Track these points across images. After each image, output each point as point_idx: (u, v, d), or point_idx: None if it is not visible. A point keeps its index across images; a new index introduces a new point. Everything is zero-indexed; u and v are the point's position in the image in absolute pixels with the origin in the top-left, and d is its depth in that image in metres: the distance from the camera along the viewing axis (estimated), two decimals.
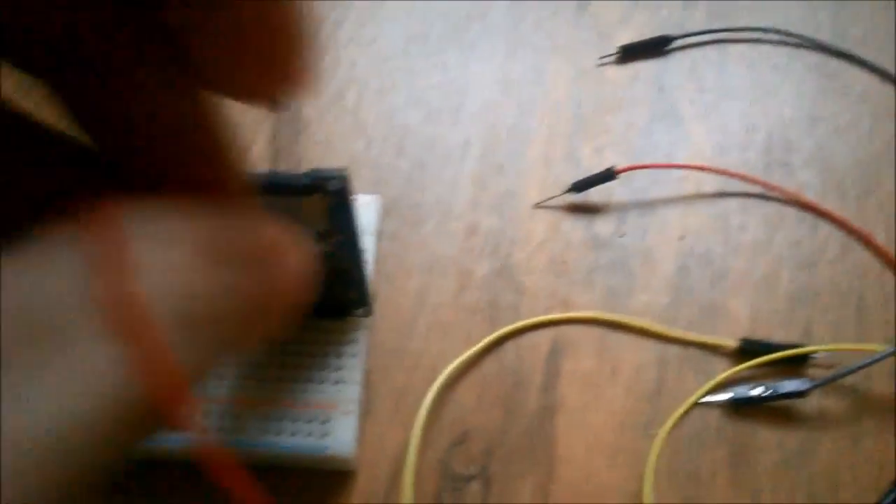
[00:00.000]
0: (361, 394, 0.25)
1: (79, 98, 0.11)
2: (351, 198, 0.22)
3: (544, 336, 0.28)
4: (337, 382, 0.25)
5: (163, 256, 0.10)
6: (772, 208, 0.31)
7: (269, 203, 0.17)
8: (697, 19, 0.36)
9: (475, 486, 0.25)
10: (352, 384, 0.25)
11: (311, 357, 0.25)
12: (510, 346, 0.27)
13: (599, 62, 0.34)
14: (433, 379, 0.26)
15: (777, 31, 0.35)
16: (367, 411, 0.26)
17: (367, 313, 0.26)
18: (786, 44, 0.35)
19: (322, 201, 0.22)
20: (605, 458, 0.25)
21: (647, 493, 0.25)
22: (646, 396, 0.27)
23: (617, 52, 0.34)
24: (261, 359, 0.25)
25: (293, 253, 0.12)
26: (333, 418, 0.24)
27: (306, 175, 0.22)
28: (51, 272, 0.09)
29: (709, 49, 0.35)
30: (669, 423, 0.26)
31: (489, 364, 0.27)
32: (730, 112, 0.33)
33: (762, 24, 0.35)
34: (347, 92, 0.33)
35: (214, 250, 0.10)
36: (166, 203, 0.10)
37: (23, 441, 0.08)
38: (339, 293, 0.25)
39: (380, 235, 0.29)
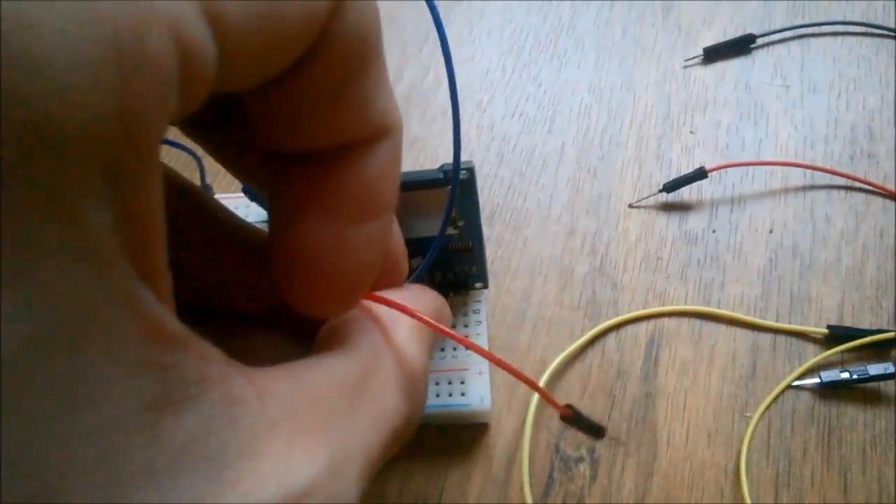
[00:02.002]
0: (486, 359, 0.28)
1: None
2: (476, 186, 0.26)
3: (643, 328, 0.30)
4: (467, 350, 0.28)
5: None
6: (857, 199, 0.32)
7: (408, 198, 0.22)
8: (779, 16, 0.37)
9: (583, 467, 0.28)
10: (483, 344, 0.29)
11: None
12: (611, 338, 0.30)
13: (685, 64, 0.36)
14: (542, 370, 0.29)
15: (859, 24, 0.36)
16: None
17: (485, 286, 0.30)
18: (868, 35, 0.36)
19: (450, 194, 0.25)
20: (704, 439, 0.28)
21: (743, 470, 0.27)
22: (740, 381, 0.29)
23: (701, 54, 0.36)
24: None
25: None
26: (469, 379, 0.28)
27: (440, 170, 0.26)
28: None
29: (792, 45, 0.37)
30: (763, 405, 0.28)
31: (592, 355, 0.30)
32: (815, 106, 0.35)
33: (844, 18, 0.36)
34: (450, 107, 0.35)
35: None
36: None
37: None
38: (463, 269, 0.29)
39: (486, 240, 0.32)
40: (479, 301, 0.30)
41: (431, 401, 0.27)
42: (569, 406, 0.20)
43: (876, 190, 0.32)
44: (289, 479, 0.12)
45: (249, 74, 0.12)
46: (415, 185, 0.26)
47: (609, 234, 0.32)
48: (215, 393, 0.11)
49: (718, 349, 0.30)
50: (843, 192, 0.33)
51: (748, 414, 0.28)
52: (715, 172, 0.33)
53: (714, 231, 0.32)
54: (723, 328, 0.30)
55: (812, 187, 0.33)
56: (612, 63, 0.37)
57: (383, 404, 0.15)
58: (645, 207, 0.33)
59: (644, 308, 0.30)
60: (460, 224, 0.27)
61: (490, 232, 0.32)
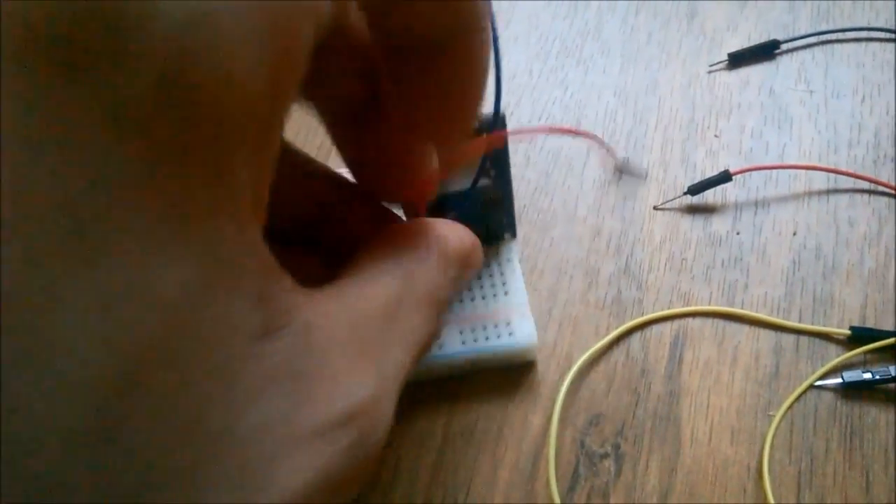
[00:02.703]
0: (528, 299, 0.30)
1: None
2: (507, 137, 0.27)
3: (667, 328, 0.31)
4: (507, 294, 0.30)
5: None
6: (880, 203, 0.33)
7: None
8: (803, 21, 0.38)
9: (608, 463, 0.28)
10: (520, 292, 0.30)
11: (481, 278, 0.30)
12: (636, 337, 0.31)
13: (710, 69, 0.37)
14: (568, 367, 0.30)
15: (883, 30, 0.37)
16: (510, 398, 0.30)
17: (514, 235, 0.31)
18: (892, 41, 0.37)
19: (486, 143, 0.26)
20: (727, 437, 0.28)
21: (766, 468, 0.27)
22: (763, 381, 0.29)
23: (726, 59, 0.37)
24: None
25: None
26: (513, 321, 0.29)
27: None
28: None
29: (816, 50, 0.37)
30: (786, 404, 0.29)
31: (617, 354, 0.30)
32: (838, 111, 0.35)
33: (867, 24, 0.37)
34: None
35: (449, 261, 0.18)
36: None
37: None
38: (494, 219, 0.30)
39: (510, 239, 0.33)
40: (509, 251, 0.31)
41: (481, 345, 0.29)
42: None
43: None
44: (351, 399, 0.13)
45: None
46: None
47: (634, 235, 0.33)
48: (299, 320, 0.13)
49: (742, 349, 0.30)
50: (866, 196, 0.33)
51: (771, 413, 0.29)
52: (739, 176, 0.33)
53: (738, 233, 0.32)
54: (746, 328, 0.30)
55: (835, 191, 0.33)
56: (637, 68, 0.37)
57: (414, 329, 0.16)
58: (670, 209, 0.33)
59: (669, 308, 0.31)
60: (492, 174, 0.29)
61: (517, 232, 0.33)
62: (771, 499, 0.27)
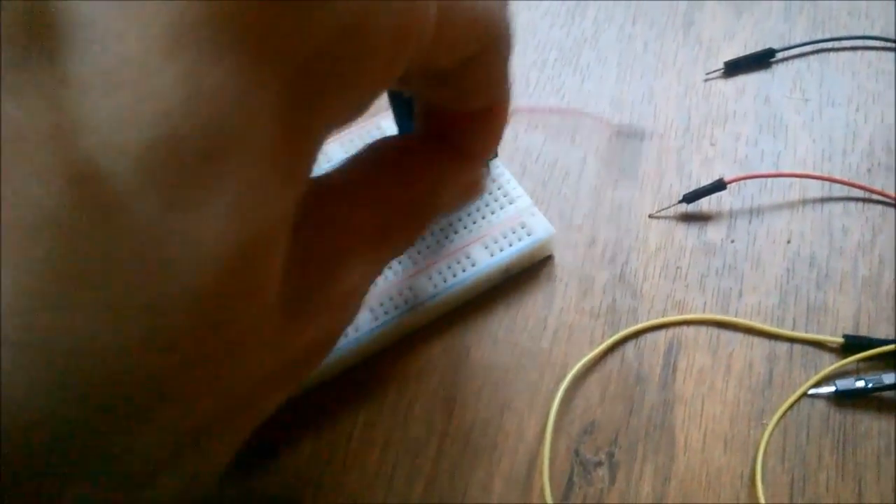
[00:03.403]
0: (531, 199, 0.32)
1: None
2: None
3: (661, 336, 0.31)
4: (511, 202, 0.32)
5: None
6: (874, 211, 0.33)
7: None
8: (799, 30, 0.38)
9: (602, 471, 0.29)
10: (521, 198, 0.32)
11: (484, 198, 0.33)
12: (630, 345, 0.31)
13: (706, 77, 0.37)
14: (562, 376, 0.30)
15: (879, 38, 0.37)
16: (504, 406, 0.30)
17: (496, 155, 0.33)
18: (887, 49, 0.37)
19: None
20: (721, 445, 0.29)
21: (759, 476, 0.28)
22: (757, 389, 0.29)
23: (722, 68, 0.37)
24: (459, 222, 0.32)
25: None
26: (526, 222, 0.32)
27: None
28: None
29: (812, 59, 0.37)
30: (779, 413, 0.29)
31: (612, 362, 0.31)
32: (833, 119, 0.35)
33: (863, 32, 0.37)
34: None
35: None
36: None
37: None
38: None
39: None
40: (497, 166, 0.33)
41: (506, 252, 0.31)
42: None
43: (893, 202, 0.33)
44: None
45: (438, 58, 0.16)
46: None
47: (629, 244, 0.33)
48: None
49: (736, 357, 0.30)
50: (860, 204, 0.33)
51: (764, 421, 0.29)
52: (734, 184, 0.33)
53: (733, 241, 0.33)
54: (740, 336, 0.31)
55: (830, 199, 0.33)
56: (633, 76, 0.37)
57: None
58: (665, 218, 0.33)
59: (663, 316, 0.31)
60: None
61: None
62: None
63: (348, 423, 0.30)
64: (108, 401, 0.11)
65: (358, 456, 0.29)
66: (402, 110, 0.30)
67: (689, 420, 0.29)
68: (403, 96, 0.29)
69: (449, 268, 0.31)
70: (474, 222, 0.32)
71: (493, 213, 0.32)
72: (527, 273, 0.32)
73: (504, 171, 0.33)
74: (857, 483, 0.28)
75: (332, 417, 0.30)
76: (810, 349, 0.30)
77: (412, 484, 0.28)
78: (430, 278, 0.31)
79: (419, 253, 0.31)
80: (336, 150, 0.34)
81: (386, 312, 0.30)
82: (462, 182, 0.22)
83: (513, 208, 0.32)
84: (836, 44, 0.37)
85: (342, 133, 0.34)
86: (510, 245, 0.31)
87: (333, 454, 0.29)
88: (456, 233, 0.32)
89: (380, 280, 0.31)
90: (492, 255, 0.31)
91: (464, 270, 0.31)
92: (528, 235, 0.32)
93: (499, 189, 0.33)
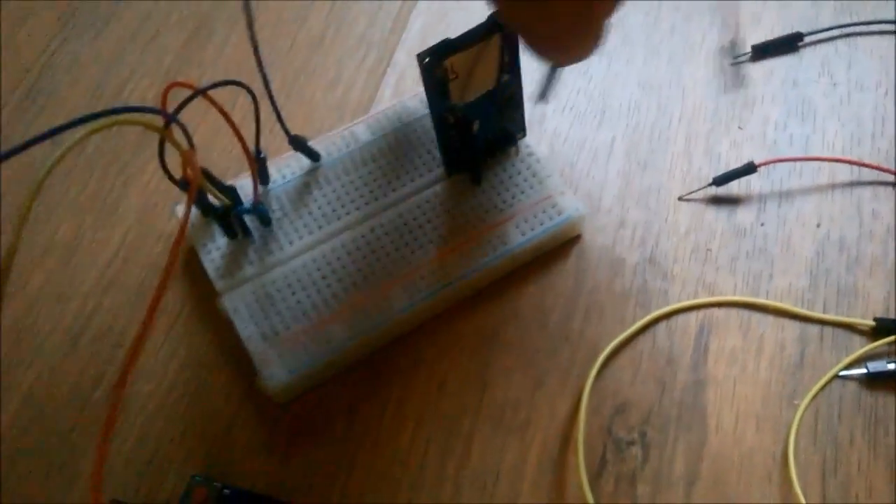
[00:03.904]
0: (560, 179, 0.33)
1: None
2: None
3: (692, 318, 0.31)
4: (541, 182, 0.33)
5: None
6: None
7: (463, 60, 0.28)
8: (827, 14, 0.38)
9: (635, 450, 0.29)
10: (551, 177, 0.33)
11: (514, 178, 0.33)
12: (661, 327, 0.31)
13: (734, 61, 0.37)
14: (594, 356, 0.30)
15: None
16: (536, 385, 0.30)
17: (524, 133, 0.33)
18: None
19: (501, 40, 0.28)
20: (752, 425, 0.29)
21: (791, 456, 0.28)
22: (788, 371, 0.30)
23: (749, 52, 0.37)
24: (489, 201, 0.33)
25: None
26: (557, 201, 0.32)
27: (488, 19, 0.27)
28: None
29: (839, 43, 0.37)
30: (811, 394, 0.29)
31: (643, 343, 0.31)
32: (862, 103, 0.35)
33: (892, 17, 0.37)
34: None
35: None
36: None
37: None
38: (510, 117, 0.32)
39: None
40: (527, 145, 0.34)
41: (538, 230, 0.32)
42: None
43: None
44: None
45: None
46: (469, 41, 0.28)
47: (659, 226, 0.33)
48: None
49: (767, 339, 0.30)
50: (889, 189, 0.33)
51: (796, 402, 0.29)
52: (764, 167, 0.33)
53: (762, 224, 0.33)
54: (771, 319, 0.31)
55: (859, 183, 0.33)
56: (661, 59, 0.37)
57: None
58: (694, 200, 0.33)
59: (694, 298, 0.31)
60: (507, 73, 0.30)
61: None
62: (797, 486, 0.27)
63: (381, 402, 0.30)
64: None
65: (391, 434, 0.29)
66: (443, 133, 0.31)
67: (721, 401, 0.29)
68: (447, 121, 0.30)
69: (481, 247, 0.31)
70: (504, 202, 0.32)
71: (522, 192, 0.32)
72: (557, 255, 0.33)
73: (533, 152, 0.33)
74: (888, 463, 0.28)
75: (364, 397, 0.30)
76: (841, 332, 0.30)
77: (445, 462, 0.28)
78: (463, 257, 0.31)
79: (451, 233, 0.31)
80: (363, 131, 0.34)
81: (420, 290, 0.30)
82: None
83: (541, 188, 0.32)
84: (864, 28, 0.37)
85: (370, 115, 0.34)
86: (541, 224, 0.32)
87: (366, 433, 0.29)
88: (487, 212, 0.32)
89: (415, 259, 0.31)
90: (523, 235, 0.31)
91: (495, 249, 0.31)
92: (559, 215, 0.32)
93: (528, 169, 0.33)
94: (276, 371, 0.29)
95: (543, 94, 0.29)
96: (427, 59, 0.27)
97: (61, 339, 0.31)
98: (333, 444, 0.29)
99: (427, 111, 0.33)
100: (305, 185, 0.33)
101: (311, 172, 0.33)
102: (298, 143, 0.32)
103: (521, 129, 0.33)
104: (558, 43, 0.24)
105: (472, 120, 0.30)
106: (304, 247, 0.31)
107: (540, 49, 0.24)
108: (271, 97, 0.29)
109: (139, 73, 0.39)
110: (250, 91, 0.28)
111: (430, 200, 0.32)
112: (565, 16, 0.22)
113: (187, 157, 0.24)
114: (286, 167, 0.33)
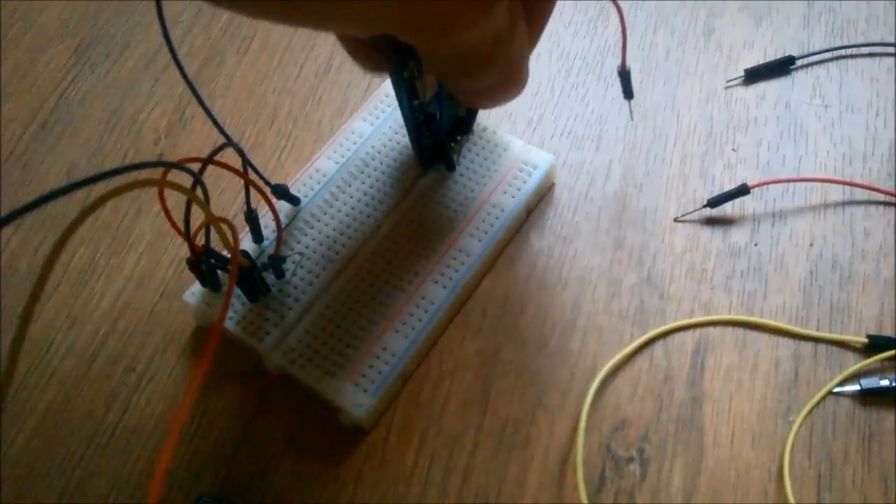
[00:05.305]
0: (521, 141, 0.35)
1: None
2: None
3: (689, 337, 0.32)
4: (506, 149, 0.35)
5: None
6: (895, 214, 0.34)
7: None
8: (818, 38, 0.39)
9: (633, 467, 0.29)
10: (513, 142, 0.35)
11: (481, 155, 0.35)
12: (658, 345, 0.32)
13: (727, 85, 0.38)
14: (592, 375, 0.31)
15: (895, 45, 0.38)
16: (537, 404, 0.31)
17: (475, 115, 0.35)
18: None
19: None
20: (748, 441, 0.29)
21: (787, 471, 0.28)
22: (783, 387, 0.30)
23: (742, 75, 0.38)
24: (471, 181, 0.35)
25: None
26: (528, 159, 0.35)
27: None
28: None
29: (831, 66, 0.38)
30: (805, 410, 0.30)
31: (641, 362, 0.31)
32: (853, 124, 0.36)
33: (881, 39, 0.38)
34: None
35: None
36: None
37: None
38: (458, 104, 0.33)
39: (537, 252, 0.34)
40: (479, 123, 0.36)
41: (523, 192, 0.34)
42: None
43: None
44: None
45: None
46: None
47: (656, 247, 0.34)
48: None
49: (762, 356, 0.31)
50: (881, 208, 0.34)
51: (791, 418, 0.30)
52: (757, 188, 0.34)
53: (756, 244, 0.34)
54: (766, 337, 0.32)
55: (851, 202, 0.34)
56: (656, 84, 0.38)
57: None
58: (690, 221, 0.34)
59: (690, 317, 0.32)
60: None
61: (541, 244, 0.34)
62: (792, 501, 0.28)
63: (385, 421, 0.30)
64: None
65: (395, 452, 0.30)
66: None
67: (718, 417, 0.30)
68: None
69: (484, 220, 0.33)
70: (483, 177, 0.35)
71: (493, 162, 0.35)
72: (556, 278, 0.33)
73: (486, 126, 0.36)
74: (882, 478, 0.28)
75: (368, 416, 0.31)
76: (835, 349, 0.31)
77: (448, 479, 0.29)
78: (473, 235, 0.33)
79: (451, 220, 0.33)
80: (364, 127, 0.35)
81: (450, 277, 0.32)
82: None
83: (509, 154, 0.35)
84: (855, 50, 0.38)
85: (326, 147, 0.35)
86: (524, 183, 0.34)
87: (371, 450, 0.30)
88: (472, 191, 0.34)
89: (431, 252, 0.33)
90: (512, 198, 0.34)
91: (497, 218, 0.33)
92: (535, 170, 0.34)
93: (488, 141, 0.35)
94: (358, 400, 0.29)
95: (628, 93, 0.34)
96: (395, 59, 0.28)
97: (75, 363, 0.32)
98: (339, 463, 0.30)
99: (373, 128, 0.36)
100: (297, 229, 0.33)
101: (296, 216, 0.34)
102: (281, 192, 0.33)
103: (472, 112, 0.35)
104: (487, 99, 0.27)
105: (434, 112, 0.32)
106: (324, 284, 0.32)
107: (467, 102, 0.28)
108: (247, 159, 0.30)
109: (152, 103, 0.40)
110: (240, 151, 0.29)
111: (418, 200, 0.34)
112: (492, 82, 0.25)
113: (232, 239, 0.25)
114: (268, 216, 0.34)
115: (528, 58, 0.26)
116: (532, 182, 0.34)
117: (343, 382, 0.30)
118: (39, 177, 0.38)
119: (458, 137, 0.34)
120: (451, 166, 0.34)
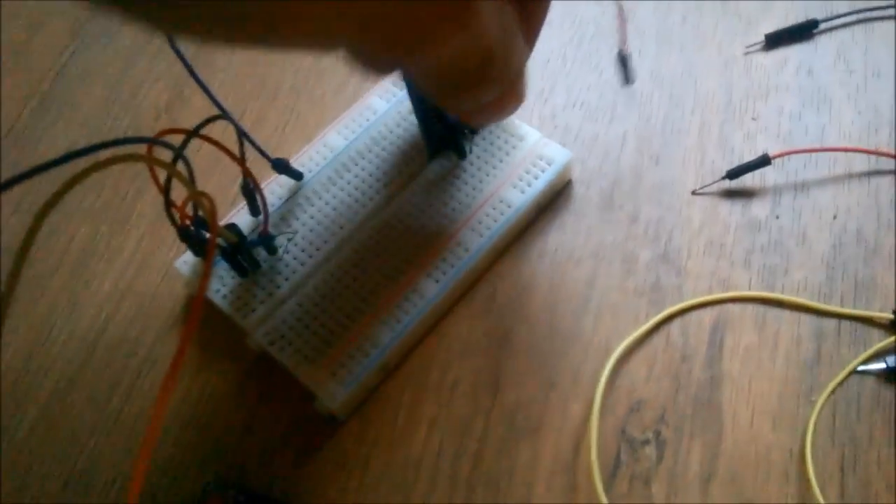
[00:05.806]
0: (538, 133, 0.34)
1: None
2: None
3: (707, 314, 0.31)
4: (521, 140, 0.33)
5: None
6: None
7: None
8: (842, 0, 0.37)
9: (649, 449, 0.28)
10: (530, 134, 0.34)
11: (495, 144, 0.34)
12: (676, 324, 0.31)
13: (746, 50, 0.36)
14: (607, 355, 0.30)
15: None
16: (549, 386, 0.30)
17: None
18: None
19: None
20: (769, 422, 0.28)
21: (809, 453, 0.27)
22: (805, 366, 0.29)
23: (762, 41, 0.36)
24: (480, 172, 0.33)
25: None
26: (543, 153, 0.33)
27: None
28: None
29: (856, 29, 0.36)
30: (828, 389, 0.29)
31: (657, 341, 0.30)
32: (879, 91, 0.35)
33: None
34: None
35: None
36: None
37: None
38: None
39: (548, 228, 0.33)
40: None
41: (535, 186, 0.32)
42: None
43: None
44: None
45: None
46: None
47: (672, 221, 0.33)
48: None
49: (783, 334, 0.30)
50: None
51: (813, 398, 0.29)
52: (778, 159, 0.33)
53: (777, 217, 0.32)
54: (787, 314, 0.30)
55: (877, 173, 0.33)
56: (672, 50, 0.37)
57: None
58: (708, 194, 0.33)
59: (708, 294, 0.31)
60: None
61: (553, 219, 0.33)
62: (814, 483, 0.27)
63: (393, 405, 0.30)
64: None
65: (405, 435, 0.29)
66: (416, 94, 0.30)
67: (737, 397, 0.29)
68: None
69: (488, 215, 0.32)
70: (494, 168, 0.33)
71: (507, 154, 0.33)
72: (569, 256, 0.32)
73: (509, 119, 0.34)
74: None
75: (378, 398, 0.30)
76: (859, 326, 0.30)
77: (459, 462, 0.28)
78: (474, 229, 0.32)
79: (455, 210, 0.32)
80: (335, 139, 0.34)
81: (444, 271, 0.31)
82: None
83: (524, 146, 0.33)
84: (882, 12, 0.36)
85: (338, 121, 0.34)
86: (535, 179, 0.33)
87: (380, 434, 0.29)
88: (481, 182, 0.33)
89: (430, 243, 0.31)
90: (522, 193, 0.32)
91: (502, 213, 0.32)
92: (549, 165, 0.33)
93: (503, 131, 0.34)
94: (332, 390, 0.29)
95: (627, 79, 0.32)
96: None
97: (77, 347, 0.32)
98: (347, 447, 0.29)
99: (388, 106, 0.34)
100: (297, 205, 0.33)
101: (299, 192, 0.33)
102: (281, 166, 0.32)
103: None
104: (482, 118, 0.26)
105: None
106: (316, 264, 0.31)
107: (463, 120, 0.27)
108: (243, 133, 0.29)
109: (151, 79, 0.39)
110: (235, 123, 0.28)
111: (424, 187, 0.33)
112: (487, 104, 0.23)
113: (209, 214, 0.24)
114: (271, 193, 0.33)
115: (525, 69, 0.23)
116: (545, 179, 0.32)
117: (320, 370, 0.29)
118: (38, 155, 0.37)
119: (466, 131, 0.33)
120: (462, 154, 0.33)
